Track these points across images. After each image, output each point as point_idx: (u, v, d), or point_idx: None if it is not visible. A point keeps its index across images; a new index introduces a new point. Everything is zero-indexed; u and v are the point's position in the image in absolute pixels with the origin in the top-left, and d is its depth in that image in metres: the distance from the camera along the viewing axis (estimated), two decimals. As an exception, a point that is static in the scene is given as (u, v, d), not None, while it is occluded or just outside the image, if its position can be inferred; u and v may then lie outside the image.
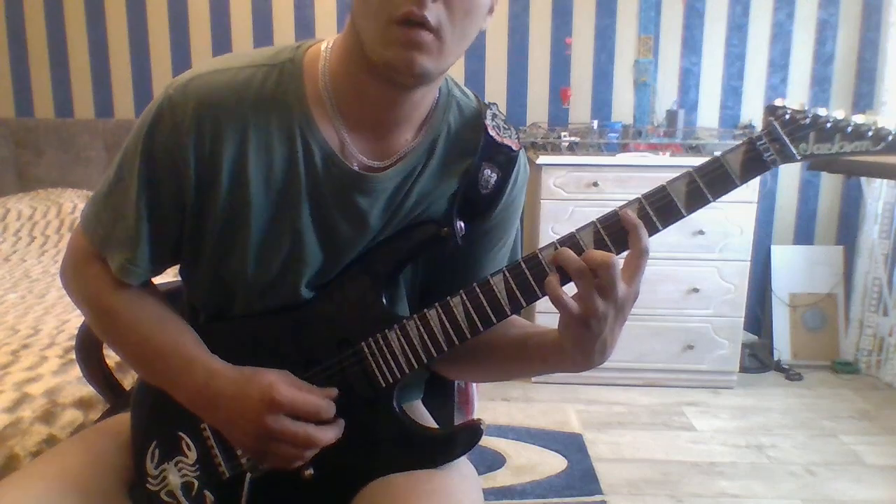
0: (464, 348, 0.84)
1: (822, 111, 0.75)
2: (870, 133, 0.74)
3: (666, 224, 0.76)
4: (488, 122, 0.87)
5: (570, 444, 2.37)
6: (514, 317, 0.86)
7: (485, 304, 0.79)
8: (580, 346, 0.76)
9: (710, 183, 0.75)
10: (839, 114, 0.75)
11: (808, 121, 0.75)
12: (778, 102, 0.77)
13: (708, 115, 3.18)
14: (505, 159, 0.87)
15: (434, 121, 0.86)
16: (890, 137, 0.74)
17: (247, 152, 0.80)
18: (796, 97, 3.14)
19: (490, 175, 0.86)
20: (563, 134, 2.98)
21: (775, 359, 3.10)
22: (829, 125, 0.75)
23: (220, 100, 0.78)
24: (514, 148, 0.88)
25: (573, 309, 0.73)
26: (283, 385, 0.79)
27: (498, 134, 0.87)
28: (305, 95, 0.81)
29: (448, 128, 0.87)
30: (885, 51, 2.98)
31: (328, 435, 0.80)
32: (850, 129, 0.75)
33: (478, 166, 0.86)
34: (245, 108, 0.79)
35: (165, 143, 0.79)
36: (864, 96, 3.11)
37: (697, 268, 2.78)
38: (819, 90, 3.14)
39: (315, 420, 0.80)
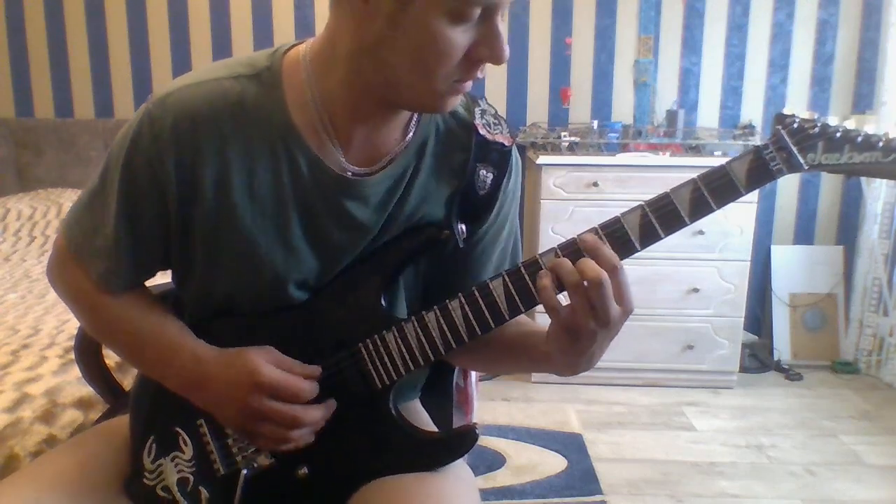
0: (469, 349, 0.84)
1: (831, 120, 0.74)
2: (880, 144, 0.72)
3: (668, 232, 0.75)
4: (478, 120, 0.87)
5: (570, 444, 2.37)
6: (511, 332, 0.88)
7: (483, 308, 0.78)
8: (566, 357, 0.76)
9: (714, 191, 0.74)
10: (849, 123, 0.74)
11: (816, 130, 0.73)
12: (787, 111, 0.75)
13: (708, 115, 3.18)
14: (498, 157, 0.87)
15: (423, 120, 0.86)
16: None
17: (228, 164, 0.79)
18: (796, 97, 3.14)
19: (486, 175, 0.87)
20: (563, 134, 2.97)
21: (775, 359, 3.10)
22: (838, 135, 0.73)
23: (197, 113, 0.78)
24: (507, 143, 0.88)
25: (564, 320, 0.73)
26: (265, 367, 0.79)
27: (489, 132, 0.87)
28: (286, 103, 0.80)
29: (437, 127, 0.87)
30: (885, 51, 2.98)
31: (314, 414, 0.81)
32: (860, 139, 0.73)
33: (473, 168, 0.86)
34: (223, 120, 0.79)
35: (146, 158, 0.79)
36: (864, 96, 3.11)
37: (697, 268, 2.78)
38: (819, 90, 3.14)
39: (296, 402, 0.80)
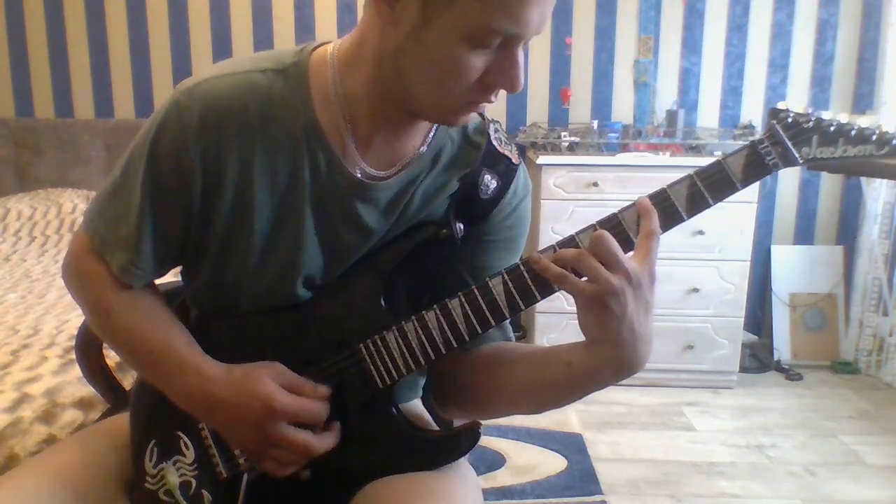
0: (491, 385, 0.86)
1: (825, 114, 0.75)
2: (874, 137, 0.73)
3: (666, 228, 0.76)
4: (491, 133, 0.88)
5: (570, 444, 2.37)
6: (536, 346, 0.89)
7: (483, 306, 0.79)
8: (605, 332, 0.74)
9: (710, 186, 0.75)
10: (843, 117, 0.74)
11: (811, 124, 0.74)
12: (781, 105, 0.76)
13: (708, 115, 3.18)
14: (504, 169, 0.88)
15: (439, 132, 0.87)
16: (894, 141, 0.73)
17: (252, 157, 0.80)
18: (796, 97, 3.14)
19: (490, 181, 0.87)
20: (563, 134, 2.97)
21: (775, 359, 3.10)
22: (832, 128, 0.74)
23: (225, 105, 0.79)
24: (514, 161, 0.89)
25: (582, 287, 0.72)
26: (279, 394, 0.79)
27: (499, 144, 0.88)
28: (311, 100, 0.81)
29: (451, 141, 0.88)
30: (885, 51, 2.98)
31: (325, 443, 0.81)
32: (853, 132, 0.74)
33: (478, 171, 0.86)
34: (250, 114, 0.79)
35: (172, 147, 0.79)
36: (864, 96, 3.11)
37: (697, 268, 2.78)
38: (819, 90, 3.14)
39: (315, 424, 0.81)
